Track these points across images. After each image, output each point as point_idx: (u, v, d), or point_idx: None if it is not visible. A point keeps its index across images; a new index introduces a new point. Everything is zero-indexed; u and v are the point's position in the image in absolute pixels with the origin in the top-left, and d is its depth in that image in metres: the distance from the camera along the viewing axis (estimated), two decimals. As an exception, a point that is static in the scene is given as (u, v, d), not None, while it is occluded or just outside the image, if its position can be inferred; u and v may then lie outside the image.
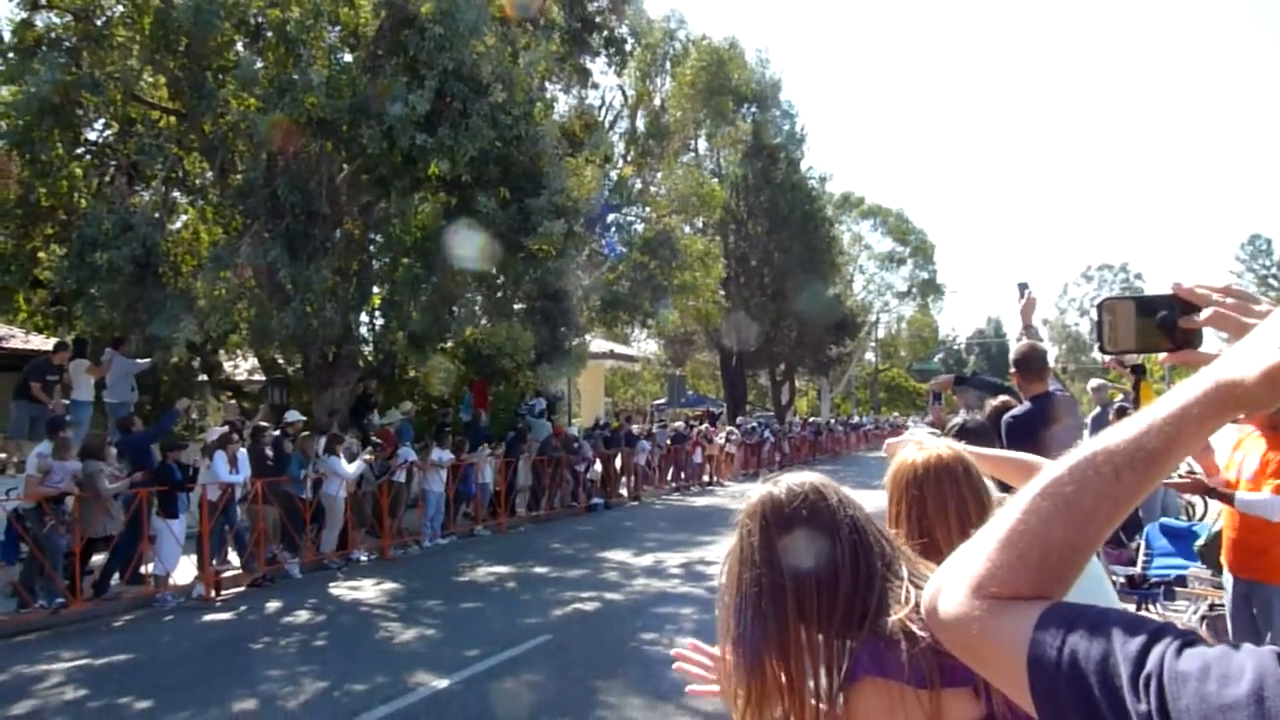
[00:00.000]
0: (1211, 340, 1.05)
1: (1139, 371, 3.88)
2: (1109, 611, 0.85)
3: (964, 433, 3.44)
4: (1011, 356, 4.77)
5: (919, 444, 1.86)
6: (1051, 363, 4.90)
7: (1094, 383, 10.63)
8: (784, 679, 1.44)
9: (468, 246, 13.70)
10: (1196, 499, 10.25)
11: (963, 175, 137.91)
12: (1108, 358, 4.47)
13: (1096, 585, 1.79)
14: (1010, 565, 0.88)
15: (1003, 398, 4.74)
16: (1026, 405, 4.49)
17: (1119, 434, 0.86)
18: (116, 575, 10.68)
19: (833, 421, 43.43)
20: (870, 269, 57.87)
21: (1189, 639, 0.77)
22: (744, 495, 1.57)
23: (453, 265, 14.14)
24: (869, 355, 58.61)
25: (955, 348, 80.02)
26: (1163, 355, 1.11)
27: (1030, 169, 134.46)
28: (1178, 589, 6.78)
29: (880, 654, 1.40)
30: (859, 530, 1.49)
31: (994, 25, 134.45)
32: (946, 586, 0.93)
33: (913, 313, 61.73)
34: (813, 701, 1.45)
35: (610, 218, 20.44)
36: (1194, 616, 6.11)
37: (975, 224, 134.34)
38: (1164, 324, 1.07)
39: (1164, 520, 7.89)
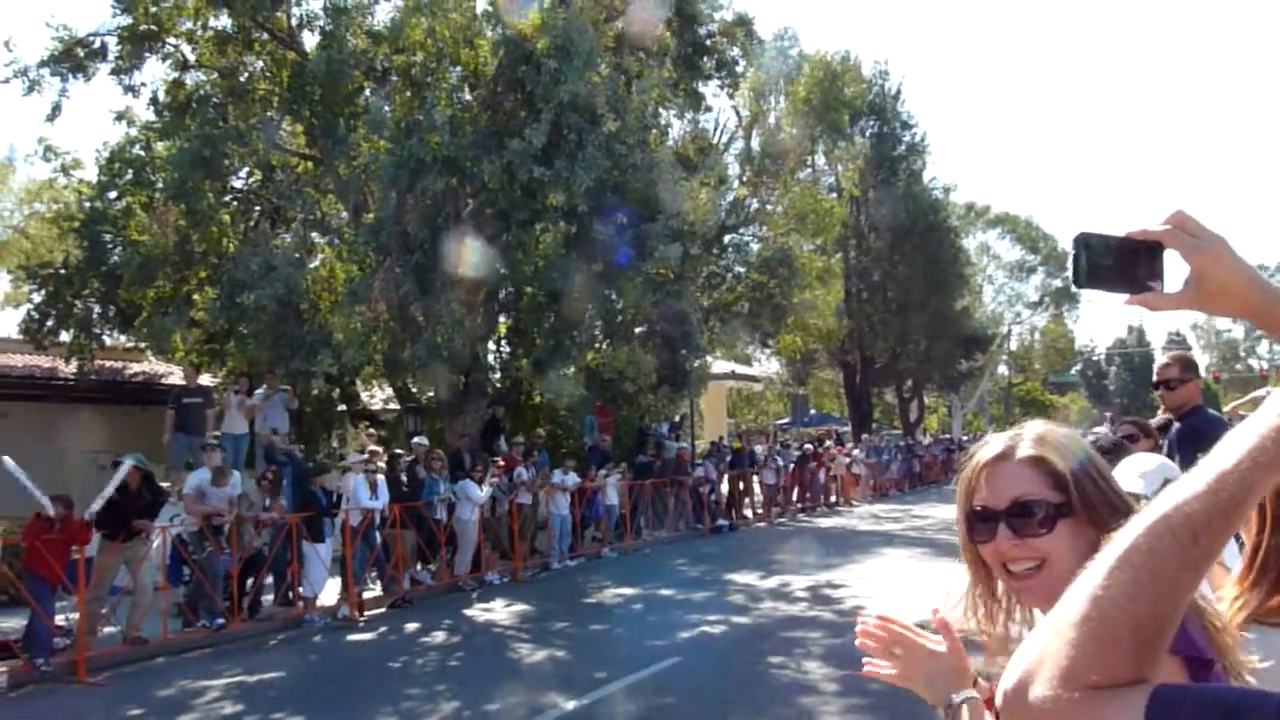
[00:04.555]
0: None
1: None
2: (1220, 690, 0.82)
3: (1097, 449, 3.38)
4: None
5: None
6: (1203, 372, 4.72)
7: (1262, 392, 10.04)
8: None
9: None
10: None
11: (1094, 177, 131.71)
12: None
13: None
14: (1100, 647, 0.82)
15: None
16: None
17: (1192, 488, 0.81)
18: (270, 597, 11.32)
19: (965, 439, 41.98)
20: (999, 279, 55.77)
21: None
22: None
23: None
24: (1001, 369, 56.41)
25: (1094, 359, 76.06)
26: (1125, 297, 1.07)
27: (1170, 166, 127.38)
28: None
29: None
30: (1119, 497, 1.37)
31: (1121, 19, 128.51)
32: (1033, 676, 0.85)
33: (1046, 323, 59.12)
34: None
35: (727, 238, 20.50)
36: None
37: (1109, 227, 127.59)
38: (1136, 260, 1.05)
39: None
